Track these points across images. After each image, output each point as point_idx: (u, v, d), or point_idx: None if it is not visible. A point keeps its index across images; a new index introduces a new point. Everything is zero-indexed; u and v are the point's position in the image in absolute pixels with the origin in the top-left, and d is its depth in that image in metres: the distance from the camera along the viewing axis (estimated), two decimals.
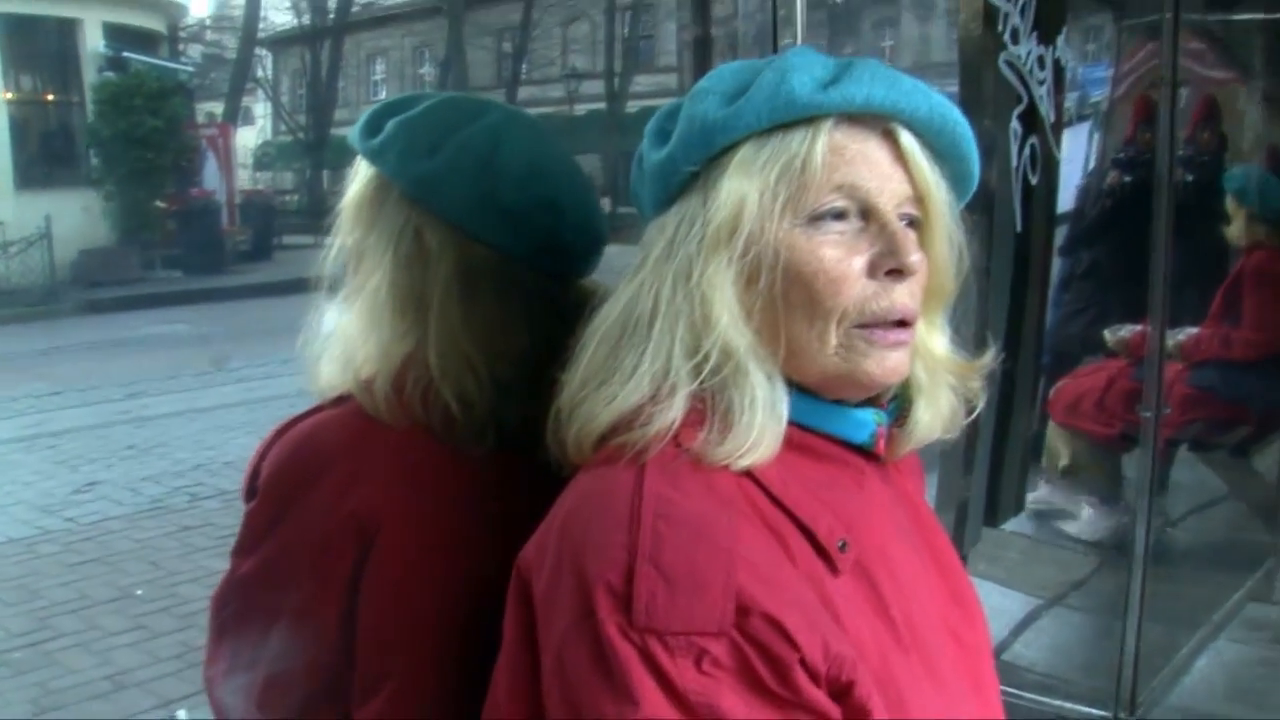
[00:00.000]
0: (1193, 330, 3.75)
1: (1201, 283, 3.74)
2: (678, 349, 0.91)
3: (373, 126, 1.15)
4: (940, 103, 0.94)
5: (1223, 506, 3.85)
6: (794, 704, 0.81)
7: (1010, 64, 2.12)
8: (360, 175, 1.16)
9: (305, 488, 1.09)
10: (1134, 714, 2.69)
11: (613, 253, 1.18)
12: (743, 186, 0.91)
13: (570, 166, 1.19)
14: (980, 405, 1.05)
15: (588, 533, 0.86)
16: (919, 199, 0.94)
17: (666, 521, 0.84)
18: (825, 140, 0.91)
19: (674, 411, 0.89)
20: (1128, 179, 4.09)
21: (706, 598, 0.81)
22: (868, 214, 0.92)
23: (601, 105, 23.68)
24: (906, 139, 0.93)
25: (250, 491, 1.13)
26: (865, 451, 0.98)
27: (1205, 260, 3.76)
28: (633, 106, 22.92)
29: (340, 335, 1.14)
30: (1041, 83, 2.26)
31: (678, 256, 0.92)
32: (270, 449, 1.13)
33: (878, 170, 0.92)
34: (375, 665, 1.09)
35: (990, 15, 2.04)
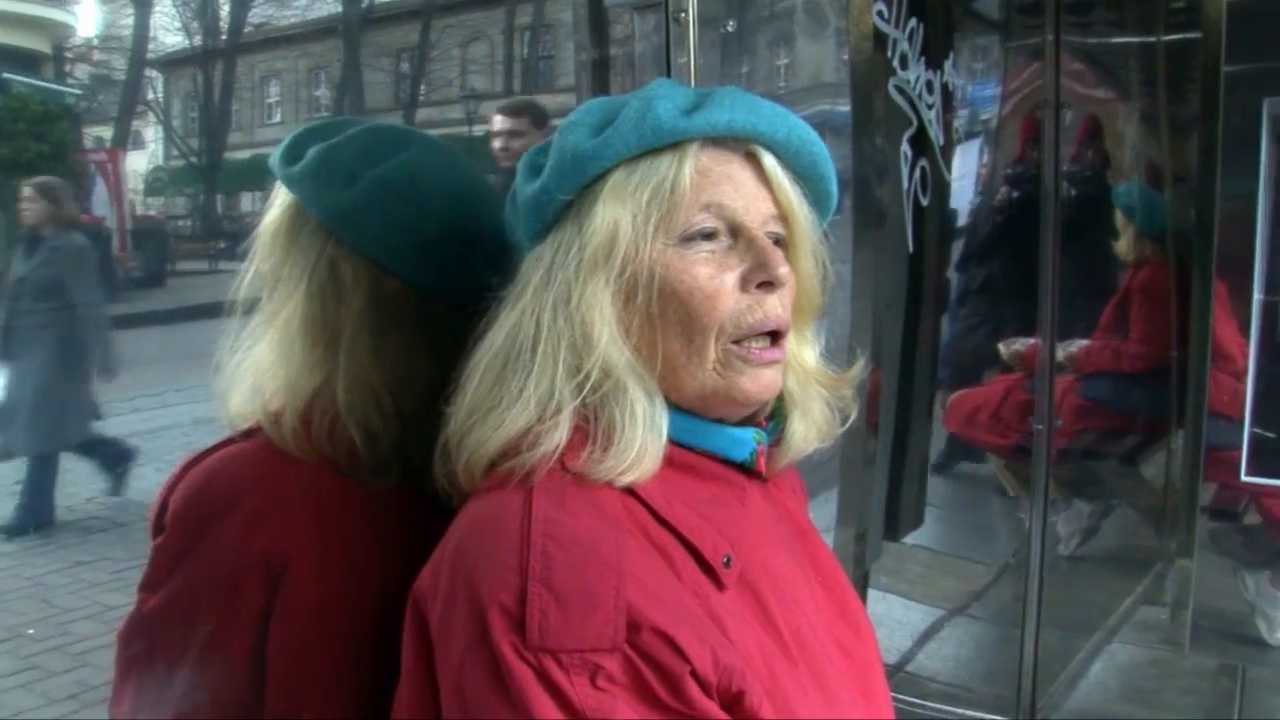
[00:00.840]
0: (1083, 343, 3.85)
1: (1093, 296, 3.84)
2: (561, 370, 0.94)
3: (294, 152, 1.14)
4: (798, 125, 1.00)
5: (1114, 514, 3.96)
6: (687, 716, 0.83)
7: (900, 89, 2.17)
8: (279, 201, 1.16)
9: (213, 522, 1.08)
10: (1034, 718, 2.75)
11: None
12: (616, 210, 0.95)
13: (489, 199, 1.19)
14: (854, 415, 1.10)
15: (479, 557, 0.87)
16: (783, 217, 1.00)
17: (555, 542, 0.86)
18: (692, 163, 0.95)
19: (560, 432, 0.92)
20: (1017, 195, 4.19)
21: (598, 614, 0.83)
22: (736, 232, 0.97)
23: None
24: (769, 160, 0.99)
25: (158, 526, 1.11)
26: (746, 469, 1.01)
27: (1096, 274, 3.87)
28: None
29: (251, 365, 1.13)
30: (930, 106, 2.31)
31: (556, 282, 0.96)
32: (178, 482, 1.12)
33: (743, 190, 0.97)
34: (285, 702, 1.07)
35: (879, 41, 2.09)
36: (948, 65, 2.41)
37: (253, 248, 1.16)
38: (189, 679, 1.08)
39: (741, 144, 0.98)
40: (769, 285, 0.97)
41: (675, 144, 0.96)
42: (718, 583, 0.93)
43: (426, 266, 1.12)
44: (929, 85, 2.30)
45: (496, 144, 3.80)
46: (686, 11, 1.65)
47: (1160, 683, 2.96)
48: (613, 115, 0.97)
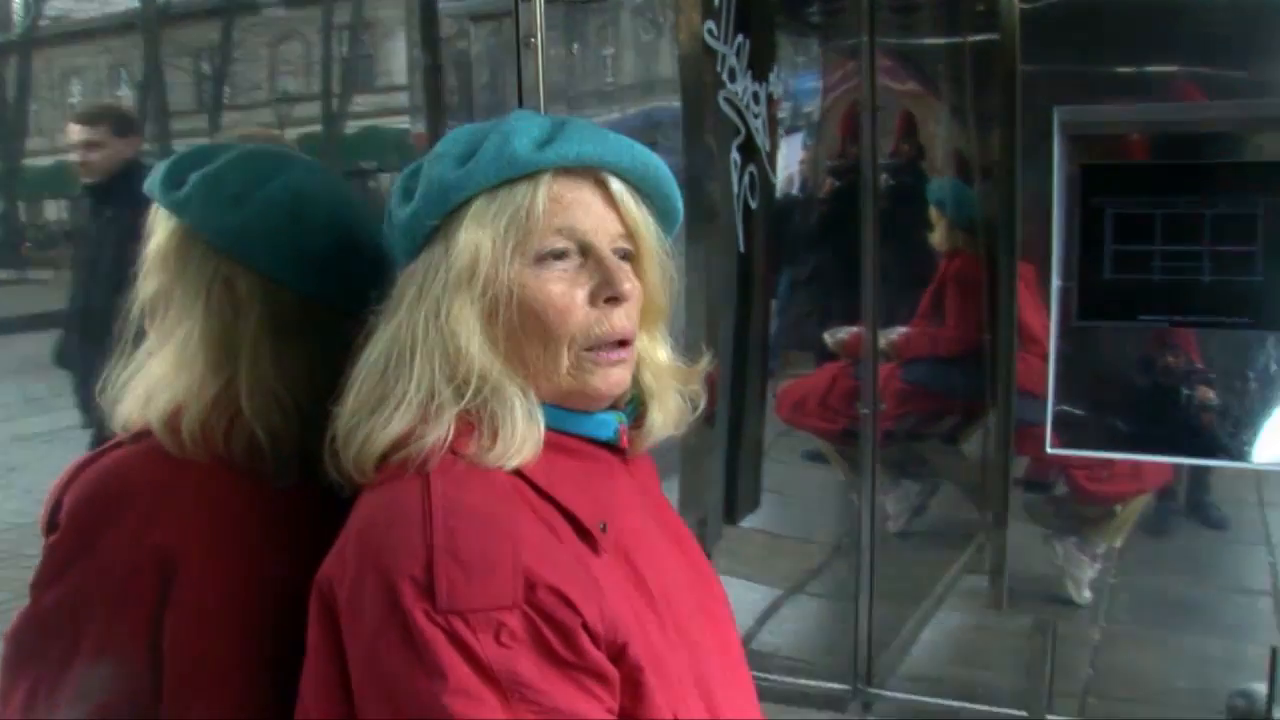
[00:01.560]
0: (904, 329, 4.03)
1: (912, 285, 4.01)
2: (438, 376, 1.03)
3: (174, 179, 1.19)
4: (642, 152, 1.11)
5: (939, 490, 4.15)
6: (580, 667, 0.94)
7: (729, 100, 2.28)
8: (162, 226, 1.20)
9: (109, 521, 1.12)
10: (870, 684, 2.91)
11: None
12: (477, 236, 1.04)
13: (363, 212, 1.27)
14: (703, 404, 1.23)
15: (386, 536, 0.96)
16: (630, 235, 1.10)
17: (456, 516, 0.95)
18: (545, 191, 1.06)
19: (443, 428, 1.02)
20: (839, 187, 4.35)
21: (498, 576, 0.93)
22: (586, 251, 1.08)
23: (317, 128, 22.98)
24: (616, 185, 1.09)
25: (51, 525, 1.14)
26: (612, 447, 1.13)
27: (914, 264, 4.04)
28: (353, 127, 22.37)
29: (144, 376, 1.17)
30: (757, 116, 2.44)
31: (427, 298, 1.05)
32: (71, 482, 1.15)
33: (592, 213, 1.08)
34: (181, 697, 1.11)
35: (709, 55, 2.19)
36: (773, 76, 2.54)
37: (140, 273, 1.21)
38: (84, 677, 1.11)
39: (591, 171, 1.08)
40: (615, 300, 1.07)
41: (531, 174, 1.05)
42: (594, 548, 1.04)
43: (317, 278, 1.19)
44: (755, 96, 2.42)
45: (74, 156, 3.49)
46: (536, 36, 1.71)
47: (984, 643, 3.12)
48: (476, 146, 1.06)
